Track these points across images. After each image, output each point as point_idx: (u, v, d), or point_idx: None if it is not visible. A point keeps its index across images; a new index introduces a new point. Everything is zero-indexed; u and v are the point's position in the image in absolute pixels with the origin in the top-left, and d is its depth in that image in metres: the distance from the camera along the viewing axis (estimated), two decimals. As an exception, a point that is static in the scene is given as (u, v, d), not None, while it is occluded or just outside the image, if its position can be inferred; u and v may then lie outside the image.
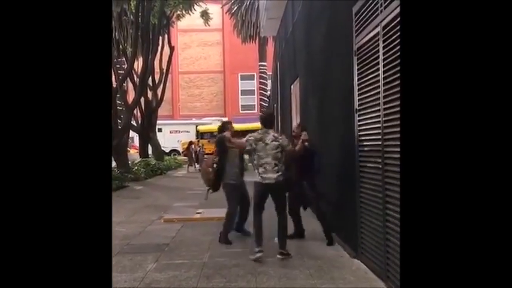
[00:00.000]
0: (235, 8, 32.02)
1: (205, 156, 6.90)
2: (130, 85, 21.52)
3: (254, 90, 41.84)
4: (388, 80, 4.00)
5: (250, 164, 5.86)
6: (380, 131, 4.24)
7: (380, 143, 4.26)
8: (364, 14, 4.70)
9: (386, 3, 4.04)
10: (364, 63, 4.74)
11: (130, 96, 20.71)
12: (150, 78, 22.16)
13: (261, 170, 5.30)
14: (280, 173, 5.31)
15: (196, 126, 33.92)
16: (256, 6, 27.59)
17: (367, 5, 4.56)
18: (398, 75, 3.72)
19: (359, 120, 4.95)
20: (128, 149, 21.01)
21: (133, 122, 21.72)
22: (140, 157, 21.85)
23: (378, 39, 4.23)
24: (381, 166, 4.25)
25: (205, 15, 26.60)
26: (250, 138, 5.41)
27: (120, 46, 22.66)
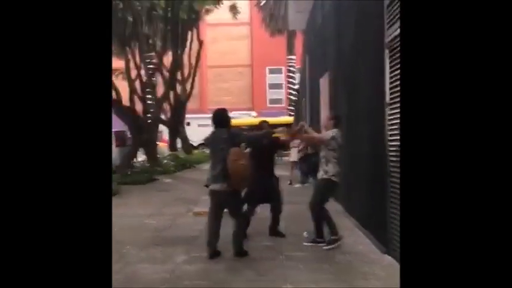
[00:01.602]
0: (264, 1, 31.89)
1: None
2: (160, 79, 21.74)
3: (282, 84, 41.68)
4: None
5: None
6: (412, 125, 4.16)
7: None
8: (396, 6, 4.61)
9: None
10: (396, 56, 4.66)
11: (160, 90, 20.93)
12: (179, 72, 22.34)
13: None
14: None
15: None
16: (284, 0, 27.45)
17: (400, -4, 4.47)
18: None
19: (390, 115, 4.87)
20: (158, 142, 21.26)
21: (163, 116, 21.96)
22: (169, 150, 22.09)
23: (411, 32, 4.14)
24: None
25: (233, 9, 26.62)
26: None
27: (150, 41, 22.91)
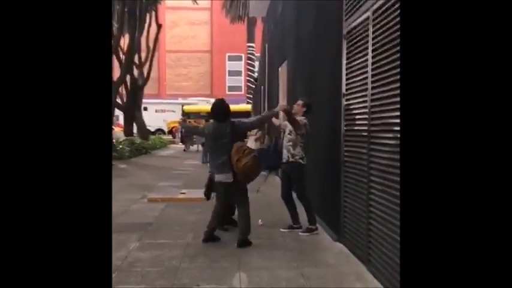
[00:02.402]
0: (225, -13, 31.58)
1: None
2: (116, 63, 21.22)
3: (241, 71, 41.62)
4: (376, 65, 4.00)
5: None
6: (367, 116, 4.25)
7: (366, 128, 4.27)
8: (354, -2, 4.66)
9: (377, -12, 4.01)
10: (353, 47, 4.72)
11: (116, 73, 20.43)
12: (136, 56, 21.87)
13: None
14: None
15: (183, 106, 33.71)
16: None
17: (358, -12, 4.52)
18: (387, 60, 3.71)
19: (346, 105, 4.95)
20: (113, 127, 20.80)
21: (119, 100, 21.47)
22: (125, 136, 21.68)
23: (368, 24, 4.20)
24: (366, 151, 4.27)
25: (193, -7, 26.25)
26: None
27: (106, 22, 22.24)
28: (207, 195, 5.71)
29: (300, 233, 5.60)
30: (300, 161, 5.64)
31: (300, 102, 5.78)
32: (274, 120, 6.17)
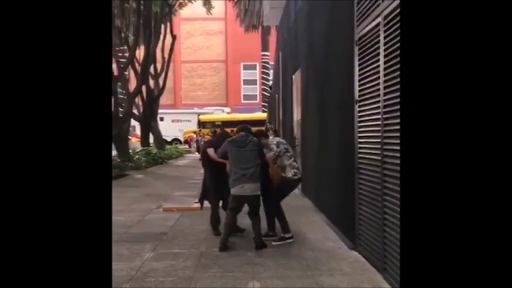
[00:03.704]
0: (238, -4, 31.78)
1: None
2: (132, 73, 21.44)
3: (256, 80, 41.72)
4: (388, 70, 3.95)
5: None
6: (380, 122, 4.20)
7: (379, 134, 4.22)
8: (365, 4, 4.63)
9: (388, -7, 3.98)
10: (365, 53, 4.69)
11: (132, 84, 20.63)
12: (152, 66, 22.08)
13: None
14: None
15: (198, 115, 33.88)
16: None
17: (369, -6, 4.50)
18: (399, 65, 3.67)
19: (359, 111, 4.91)
20: (129, 137, 20.97)
21: (135, 111, 21.67)
22: (141, 146, 21.84)
23: (379, 30, 4.17)
24: (380, 158, 4.22)
25: (207, 3, 26.46)
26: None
27: (122, 34, 22.55)
28: (201, 203, 6.20)
29: (273, 243, 5.52)
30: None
31: (266, 126, 6.15)
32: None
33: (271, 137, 6.22)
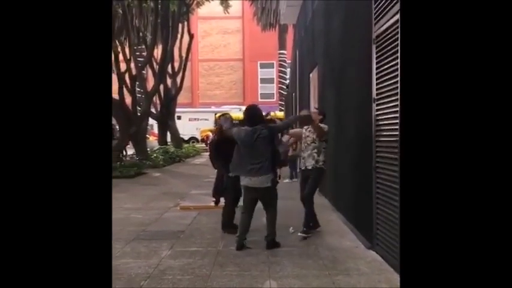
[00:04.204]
0: (255, -5, 31.78)
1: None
2: (150, 72, 21.59)
3: (273, 78, 41.63)
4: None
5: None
6: (397, 121, 4.16)
7: (397, 133, 4.18)
8: (383, 2, 4.59)
9: (406, -10, 3.93)
10: (382, 51, 4.65)
11: (150, 83, 20.77)
12: (170, 65, 22.20)
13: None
14: None
15: (215, 114, 33.97)
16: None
17: (387, -9, 4.45)
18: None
19: (376, 110, 4.86)
20: (147, 136, 21.14)
21: (153, 110, 21.82)
22: (159, 144, 22.00)
23: (397, 27, 4.12)
24: (397, 156, 4.18)
25: (224, 2, 26.50)
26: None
27: (140, 33, 22.73)
28: (217, 199, 6.16)
29: (299, 234, 5.71)
30: (323, 166, 5.84)
31: (315, 110, 5.88)
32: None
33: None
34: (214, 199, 6.44)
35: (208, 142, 22.54)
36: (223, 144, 5.76)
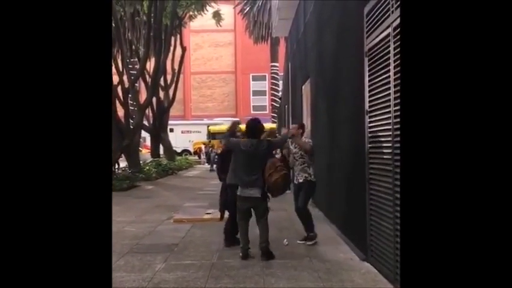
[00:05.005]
0: (247, 8, 32.05)
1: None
2: (142, 85, 21.63)
3: (266, 90, 41.79)
4: (399, 81, 3.96)
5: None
6: (390, 132, 4.20)
7: (390, 144, 4.22)
8: (375, 15, 4.66)
9: (397, 4, 4.00)
10: (375, 64, 4.70)
11: (143, 96, 20.78)
12: (162, 78, 22.25)
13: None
14: None
15: (208, 126, 34.00)
16: (268, 7, 27.61)
17: (378, 5, 4.52)
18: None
19: (369, 122, 4.91)
20: (140, 148, 21.09)
21: (145, 122, 21.81)
22: (152, 157, 21.96)
23: (389, 40, 4.19)
24: (391, 168, 4.21)
25: (217, 15, 26.69)
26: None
27: (133, 46, 22.80)
28: (222, 212, 6.20)
29: (307, 243, 5.92)
30: (313, 179, 6.10)
31: (294, 125, 6.45)
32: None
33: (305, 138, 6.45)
34: (220, 212, 6.47)
35: (205, 155, 22.38)
36: (230, 156, 5.79)
